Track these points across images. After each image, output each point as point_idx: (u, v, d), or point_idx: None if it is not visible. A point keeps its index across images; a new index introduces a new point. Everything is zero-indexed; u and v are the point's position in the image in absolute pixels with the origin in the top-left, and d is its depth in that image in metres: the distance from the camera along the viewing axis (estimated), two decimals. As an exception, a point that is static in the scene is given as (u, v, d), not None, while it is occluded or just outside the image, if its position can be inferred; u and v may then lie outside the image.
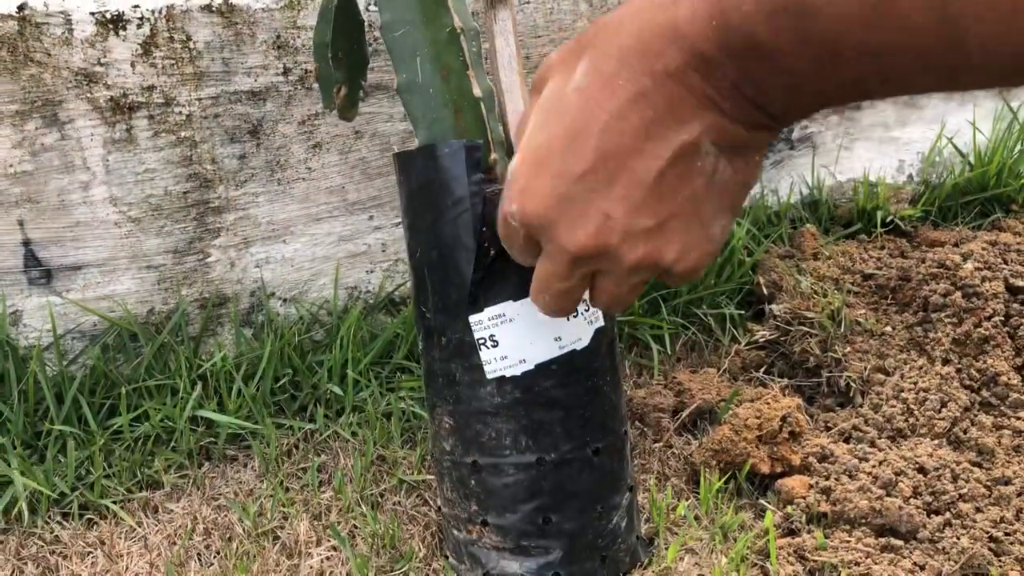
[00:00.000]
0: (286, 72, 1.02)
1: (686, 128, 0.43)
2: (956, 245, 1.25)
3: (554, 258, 0.50)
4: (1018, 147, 1.50)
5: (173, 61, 0.97)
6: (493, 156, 0.72)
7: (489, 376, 0.74)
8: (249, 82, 1.01)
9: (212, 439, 1.02)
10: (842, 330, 1.12)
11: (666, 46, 0.41)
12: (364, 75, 0.96)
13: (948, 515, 0.83)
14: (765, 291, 1.19)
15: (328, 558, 0.88)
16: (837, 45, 0.37)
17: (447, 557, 0.84)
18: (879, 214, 1.35)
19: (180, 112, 0.99)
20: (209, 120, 1.01)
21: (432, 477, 0.97)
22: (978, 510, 0.83)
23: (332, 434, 1.04)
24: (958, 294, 1.09)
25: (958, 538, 0.80)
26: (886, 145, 1.46)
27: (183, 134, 1.00)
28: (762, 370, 1.12)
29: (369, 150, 1.09)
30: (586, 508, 0.77)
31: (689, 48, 0.41)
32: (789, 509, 0.89)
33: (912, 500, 0.85)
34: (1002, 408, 0.98)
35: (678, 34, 0.41)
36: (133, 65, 0.95)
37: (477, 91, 0.74)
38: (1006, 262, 1.15)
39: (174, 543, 0.90)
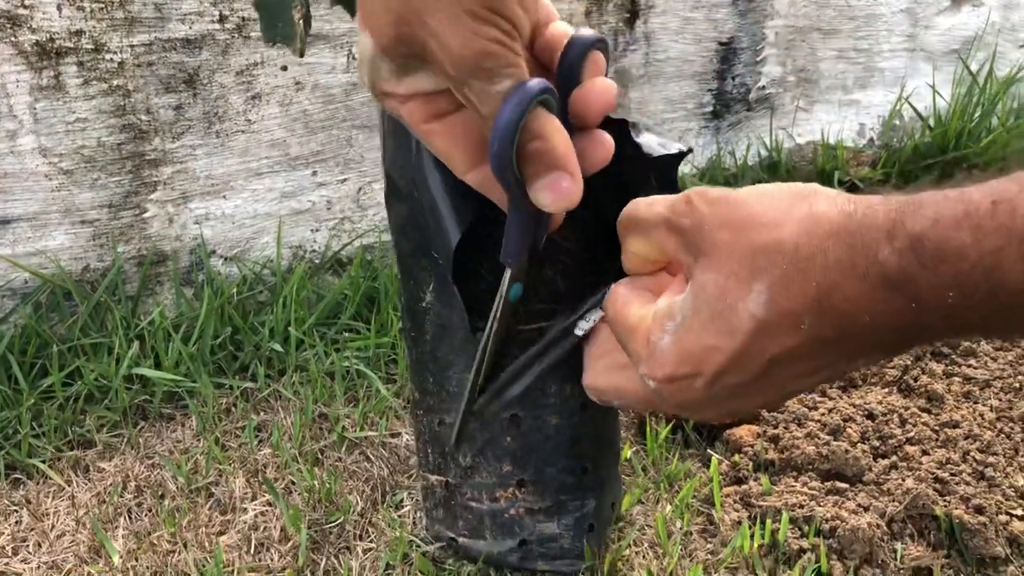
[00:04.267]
0: (222, 20, 0.99)
1: (854, 363, 0.44)
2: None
3: (661, 404, 0.51)
4: (978, 112, 1.49)
5: (102, 5, 0.94)
6: None
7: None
8: (184, 29, 0.98)
9: (148, 397, 0.98)
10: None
11: (863, 314, 0.41)
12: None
13: (894, 458, 0.81)
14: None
15: (262, 513, 0.85)
16: None
17: (454, 539, 0.75)
18: (836, 175, 1.33)
19: (111, 59, 0.96)
20: (143, 68, 0.98)
21: (374, 434, 0.95)
22: (924, 452, 0.82)
23: (273, 393, 1.01)
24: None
25: (903, 479, 0.78)
26: (846, 108, 1.45)
27: (115, 82, 0.97)
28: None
29: (311, 102, 1.06)
30: (610, 454, 0.74)
31: (898, 325, 0.41)
32: (736, 458, 0.87)
33: (859, 444, 0.83)
34: (953, 356, 0.96)
35: (878, 311, 0.41)
36: (59, 8, 0.92)
37: None
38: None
39: (103, 501, 0.87)
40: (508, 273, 0.54)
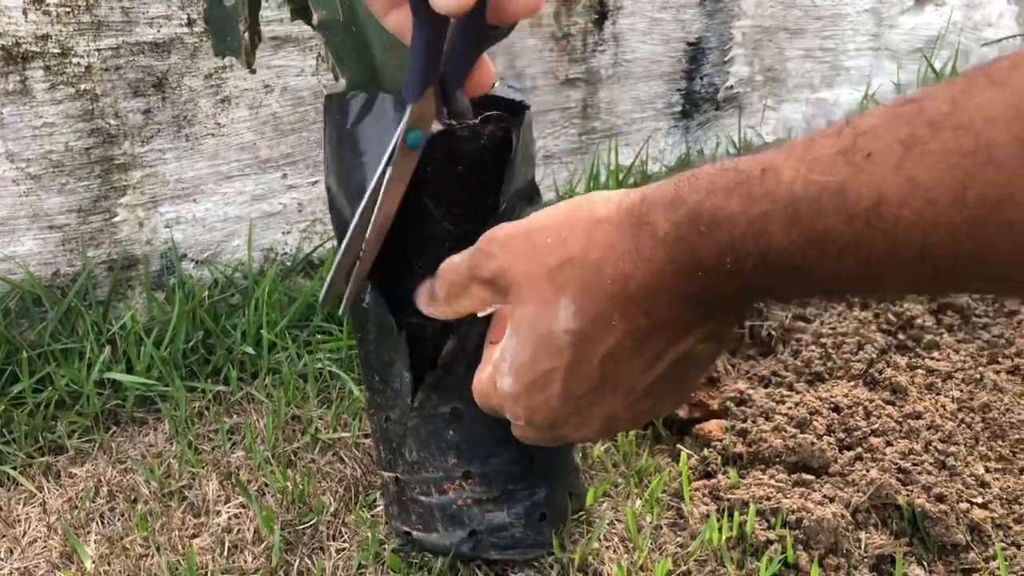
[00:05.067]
0: (190, 23, 0.99)
1: (683, 342, 0.46)
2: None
3: (547, 432, 0.53)
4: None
5: (68, 9, 0.93)
6: None
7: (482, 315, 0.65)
8: (152, 33, 0.98)
9: (120, 402, 0.98)
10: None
11: (660, 293, 0.43)
12: (258, 14, 0.90)
13: (859, 450, 0.83)
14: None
15: (236, 515, 0.85)
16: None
17: (408, 533, 0.75)
18: (804, 172, 1.35)
19: (78, 63, 0.96)
20: (110, 72, 0.97)
21: (347, 435, 0.95)
22: (888, 444, 0.84)
23: (245, 396, 1.01)
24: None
25: (868, 470, 0.80)
26: (813, 106, 1.47)
27: (83, 87, 0.97)
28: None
29: (281, 105, 1.06)
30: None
31: (694, 296, 0.43)
32: (706, 452, 0.88)
33: (825, 437, 0.85)
34: (917, 350, 0.98)
35: (672, 286, 0.43)
36: (25, 13, 0.92)
37: None
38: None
39: (75, 506, 0.87)
40: (408, 111, 0.50)
